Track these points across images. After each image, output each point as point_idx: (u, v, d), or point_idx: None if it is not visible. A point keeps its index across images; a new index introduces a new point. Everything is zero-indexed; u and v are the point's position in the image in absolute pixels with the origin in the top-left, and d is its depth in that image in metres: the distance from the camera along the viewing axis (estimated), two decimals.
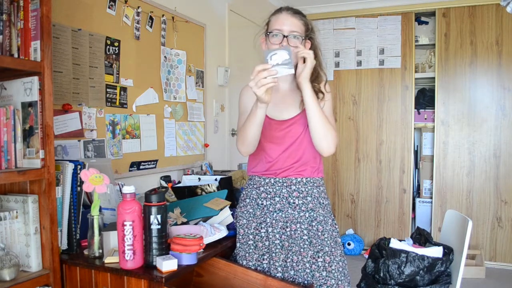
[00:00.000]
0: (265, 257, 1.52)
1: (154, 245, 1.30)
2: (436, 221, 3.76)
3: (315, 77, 1.52)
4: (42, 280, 1.30)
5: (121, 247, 1.28)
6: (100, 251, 1.41)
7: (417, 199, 3.94)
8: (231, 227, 1.69)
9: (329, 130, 1.43)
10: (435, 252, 1.76)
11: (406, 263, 1.72)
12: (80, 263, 1.38)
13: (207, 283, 1.58)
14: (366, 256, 1.94)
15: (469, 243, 1.71)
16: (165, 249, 1.32)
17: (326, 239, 1.50)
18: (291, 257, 1.50)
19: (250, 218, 1.56)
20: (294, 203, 1.51)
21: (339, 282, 1.48)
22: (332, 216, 1.57)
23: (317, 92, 1.50)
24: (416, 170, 4.00)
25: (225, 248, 1.60)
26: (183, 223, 1.63)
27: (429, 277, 1.71)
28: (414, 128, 3.87)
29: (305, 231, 1.50)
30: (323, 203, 1.54)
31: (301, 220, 1.50)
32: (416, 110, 3.89)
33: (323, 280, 1.47)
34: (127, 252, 1.27)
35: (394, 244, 1.82)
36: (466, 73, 3.63)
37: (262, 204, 1.53)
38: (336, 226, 1.57)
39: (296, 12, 1.49)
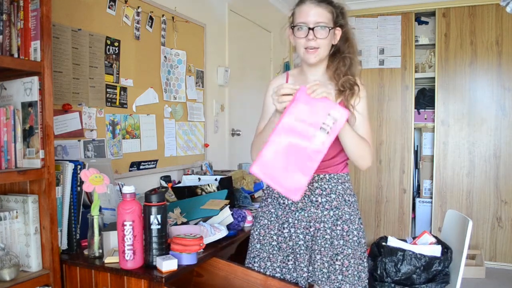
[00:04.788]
0: (290, 257, 1.46)
1: (154, 245, 1.30)
2: (436, 221, 3.76)
3: (348, 67, 1.43)
4: (42, 280, 1.30)
5: (121, 247, 1.28)
6: (100, 251, 1.41)
7: (417, 199, 3.94)
8: (231, 227, 1.69)
9: (365, 149, 1.38)
10: (433, 250, 1.76)
11: (403, 261, 1.72)
12: (80, 263, 1.38)
13: (207, 283, 1.58)
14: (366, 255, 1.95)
15: (469, 243, 1.71)
16: (165, 249, 1.32)
17: (350, 240, 1.43)
18: (313, 256, 1.44)
19: (272, 219, 1.50)
20: (317, 201, 1.43)
21: (353, 287, 1.42)
22: (359, 215, 1.49)
23: (352, 85, 1.41)
24: (416, 170, 4.00)
25: (225, 248, 1.60)
26: (183, 223, 1.63)
27: (426, 276, 1.71)
28: (414, 128, 3.87)
29: (328, 231, 1.43)
30: (349, 201, 1.46)
31: (325, 219, 1.43)
32: (416, 110, 3.89)
33: (337, 284, 1.41)
34: (127, 252, 1.27)
35: (391, 242, 1.82)
36: (466, 73, 3.63)
37: (284, 203, 1.47)
38: (362, 226, 1.49)
39: (321, 1, 1.38)
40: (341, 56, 1.44)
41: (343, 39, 1.45)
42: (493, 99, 3.57)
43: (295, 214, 1.45)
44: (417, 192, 3.99)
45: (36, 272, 1.31)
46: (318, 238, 1.43)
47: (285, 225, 1.46)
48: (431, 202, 3.81)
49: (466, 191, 3.67)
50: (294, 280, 1.46)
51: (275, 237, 1.48)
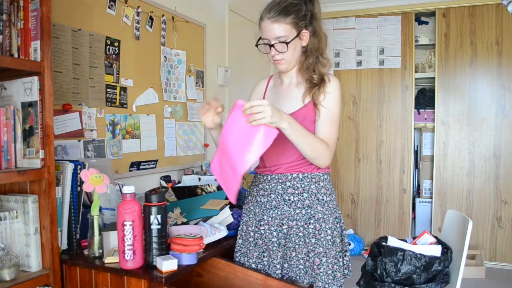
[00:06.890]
0: (265, 254, 1.50)
1: (154, 245, 1.30)
2: (436, 221, 3.76)
3: (315, 64, 1.45)
4: (42, 280, 1.30)
5: (121, 247, 1.28)
6: (100, 251, 1.41)
7: (417, 199, 3.94)
8: (231, 227, 1.69)
9: (316, 151, 1.37)
10: (433, 250, 1.76)
11: (403, 261, 1.72)
12: (80, 263, 1.38)
13: (207, 283, 1.58)
14: (366, 256, 1.95)
15: (469, 243, 1.71)
16: (165, 249, 1.32)
17: (321, 239, 1.44)
18: (288, 253, 1.47)
19: (251, 216, 1.55)
20: (289, 200, 1.46)
21: (326, 286, 1.44)
22: (337, 214, 1.50)
23: (316, 84, 1.43)
24: (416, 170, 4.00)
25: (225, 248, 1.60)
26: (183, 223, 1.63)
27: (426, 276, 1.71)
28: (414, 128, 3.87)
29: (301, 229, 1.46)
30: (322, 200, 1.47)
31: (298, 218, 1.46)
32: (416, 110, 3.89)
33: (312, 279, 1.45)
34: (127, 252, 1.27)
35: (391, 242, 1.82)
36: (466, 73, 3.63)
37: (260, 201, 1.52)
38: (340, 225, 1.51)
39: (279, 14, 1.38)
40: (305, 55, 1.48)
41: (313, 35, 1.47)
42: (493, 99, 3.57)
43: (269, 212, 1.50)
44: (417, 192, 3.99)
45: (36, 272, 1.31)
46: (292, 236, 1.47)
47: (262, 223, 1.51)
48: (431, 202, 3.81)
49: (466, 191, 3.67)
50: None
51: (252, 234, 1.54)
